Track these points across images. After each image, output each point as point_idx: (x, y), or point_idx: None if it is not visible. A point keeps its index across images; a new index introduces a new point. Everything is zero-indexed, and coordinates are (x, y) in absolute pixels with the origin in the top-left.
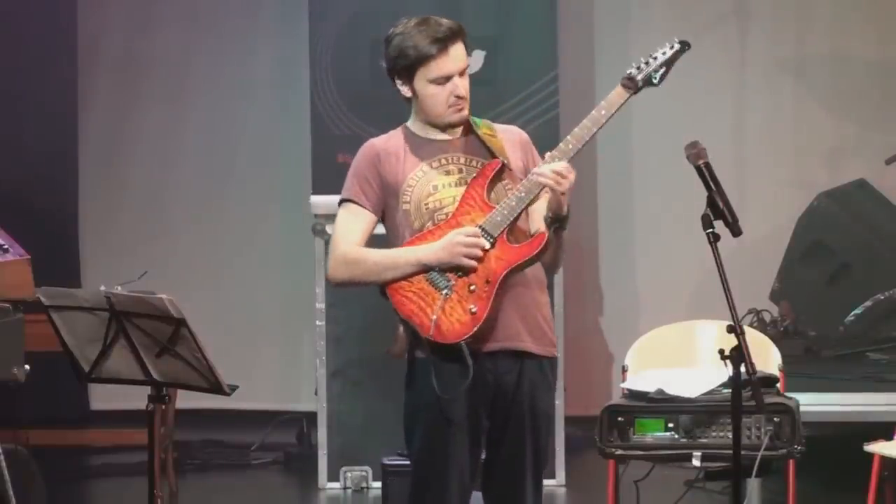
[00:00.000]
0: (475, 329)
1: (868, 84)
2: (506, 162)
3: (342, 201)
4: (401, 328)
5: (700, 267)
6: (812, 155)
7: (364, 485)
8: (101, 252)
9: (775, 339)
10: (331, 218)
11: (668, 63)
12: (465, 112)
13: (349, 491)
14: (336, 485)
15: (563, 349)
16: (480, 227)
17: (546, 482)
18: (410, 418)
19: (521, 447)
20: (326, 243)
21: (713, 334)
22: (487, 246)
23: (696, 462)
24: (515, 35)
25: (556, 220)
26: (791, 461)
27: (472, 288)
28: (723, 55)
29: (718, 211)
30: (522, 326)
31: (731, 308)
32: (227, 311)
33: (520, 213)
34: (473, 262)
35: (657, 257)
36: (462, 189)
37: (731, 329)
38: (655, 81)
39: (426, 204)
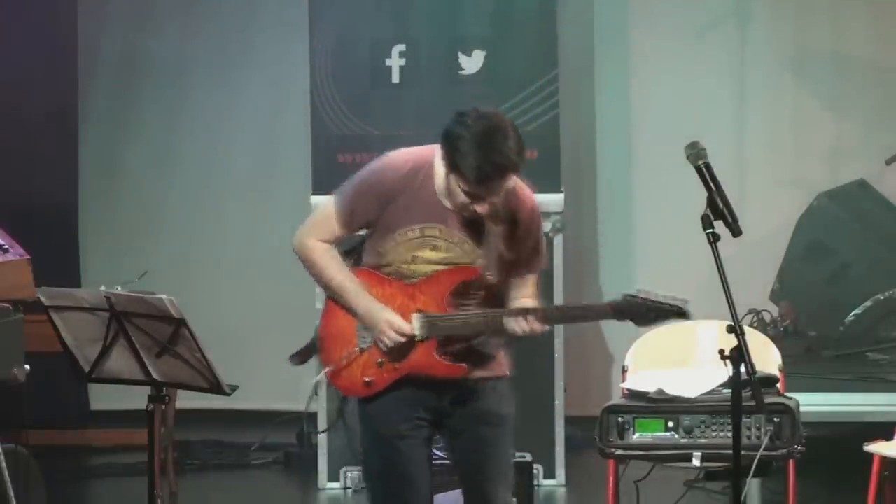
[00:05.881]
0: (361, 396)
1: (868, 84)
2: (488, 277)
3: (338, 200)
4: (312, 339)
5: (700, 267)
6: (812, 155)
7: (364, 485)
8: (101, 252)
9: (775, 339)
10: None
11: (662, 313)
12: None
13: (349, 491)
14: (336, 485)
15: (564, 349)
16: (425, 318)
17: (546, 482)
18: None
19: None
20: None
21: (713, 334)
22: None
23: (696, 462)
24: (515, 35)
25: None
26: (791, 461)
27: (379, 361)
28: (723, 55)
29: (718, 211)
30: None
31: (731, 308)
32: (227, 311)
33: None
34: (386, 348)
35: (657, 257)
36: (439, 268)
37: (731, 329)
38: (640, 323)
39: (399, 266)
